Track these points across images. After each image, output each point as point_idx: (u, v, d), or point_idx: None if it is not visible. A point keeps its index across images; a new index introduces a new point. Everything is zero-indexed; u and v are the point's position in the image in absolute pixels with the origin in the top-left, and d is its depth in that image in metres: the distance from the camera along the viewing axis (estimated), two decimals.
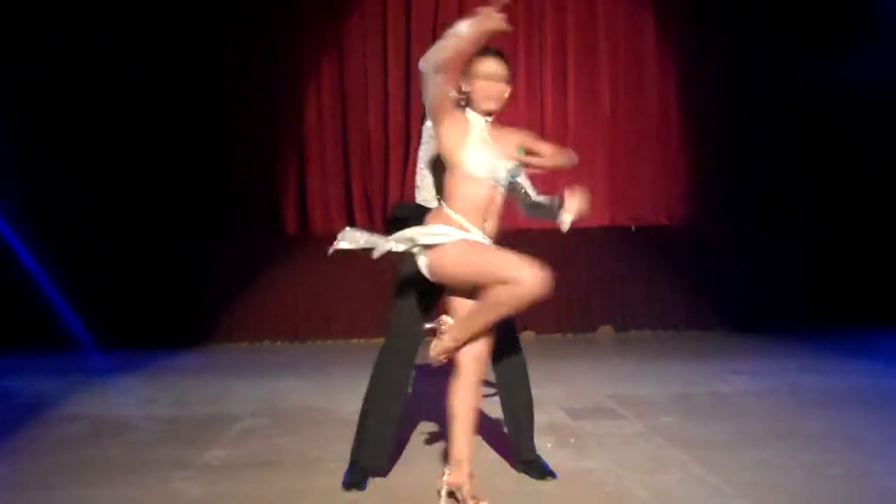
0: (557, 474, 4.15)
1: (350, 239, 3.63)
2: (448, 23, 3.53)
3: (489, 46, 3.70)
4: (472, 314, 3.63)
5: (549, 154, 3.88)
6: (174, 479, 4.30)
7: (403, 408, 4.21)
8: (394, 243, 3.60)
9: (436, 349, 3.68)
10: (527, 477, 4.17)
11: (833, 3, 9.37)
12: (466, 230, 3.60)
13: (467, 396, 3.72)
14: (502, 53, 3.80)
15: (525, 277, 3.45)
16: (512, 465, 4.31)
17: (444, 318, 3.71)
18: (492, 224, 3.70)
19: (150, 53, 9.14)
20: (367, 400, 4.15)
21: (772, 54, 9.58)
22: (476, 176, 3.62)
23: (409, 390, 4.35)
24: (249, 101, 9.44)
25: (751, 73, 9.63)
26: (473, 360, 3.71)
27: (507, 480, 4.15)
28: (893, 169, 9.36)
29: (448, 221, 3.62)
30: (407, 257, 3.86)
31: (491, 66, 3.72)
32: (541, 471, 4.16)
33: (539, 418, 5.30)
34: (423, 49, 3.66)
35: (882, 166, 9.37)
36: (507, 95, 3.77)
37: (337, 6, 9.58)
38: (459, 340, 3.65)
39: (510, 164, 3.69)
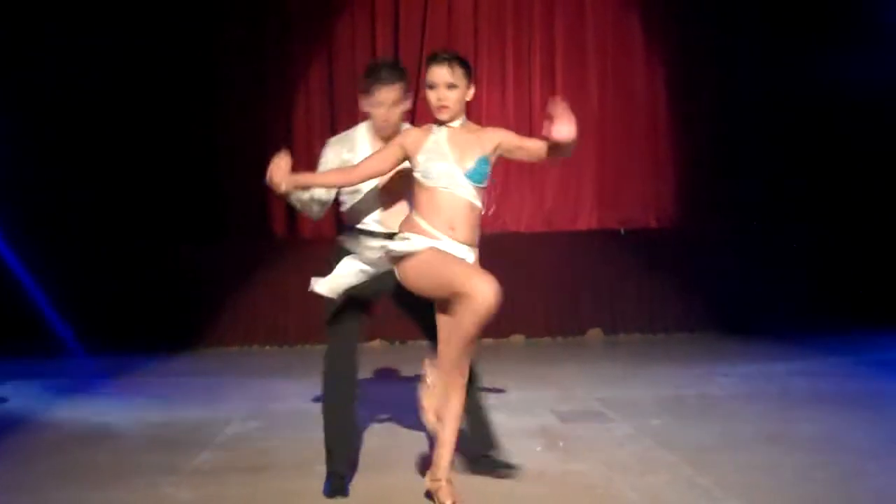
0: (515, 466, 4.16)
1: (328, 288, 3.87)
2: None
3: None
4: (446, 344, 3.62)
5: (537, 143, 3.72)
6: (164, 484, 4.30)
7: (358, 407, 4.24)
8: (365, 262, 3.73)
9: (428, 402, 3.68)
10: (516, 481, 4.17)
11: (825, 1, 9.38)
12: (435, 237, 3.60)
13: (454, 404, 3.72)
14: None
15: (476, 290, 3.42)
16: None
17: (427, 362, 3.72)
18: (463, 232, 3.65)
19: (141, 55, 9.09)
20: (325, 409, 4.19)
21: (762, 52, 9.54)
22: (430, 186, 3.64)
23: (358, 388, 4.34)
24: (240, 102, 9.38)
25: (740, 71, 9.59)
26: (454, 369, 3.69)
27: (497, 485, 4.15)
28: (886, 169, 9.37)
29: (415, 229, 3.64)
30: (336, 258, 4.05)
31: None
32: (495, 464, 4.17)
33: (528, 421, 5.34)
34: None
35: (875, 166, 9.34)
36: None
37: (326, 6, 9.56)
38: (446, 374, 3.63)
39: (471, 166, 3.64)
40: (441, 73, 3.64)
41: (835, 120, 9.37)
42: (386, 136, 3.99)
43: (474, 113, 9.78)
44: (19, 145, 8.57)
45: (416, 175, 3.67)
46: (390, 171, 3.84)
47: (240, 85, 9.42)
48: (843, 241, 9.36)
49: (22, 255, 8.53)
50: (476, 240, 3.71)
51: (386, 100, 3.94)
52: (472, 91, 3.73)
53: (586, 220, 9.58)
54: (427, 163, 3.64)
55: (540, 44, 9.64)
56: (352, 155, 4.05)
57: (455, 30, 9.44)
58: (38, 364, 8.11)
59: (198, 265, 9.06)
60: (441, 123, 3.71)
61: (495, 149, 3.71)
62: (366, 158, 3.87)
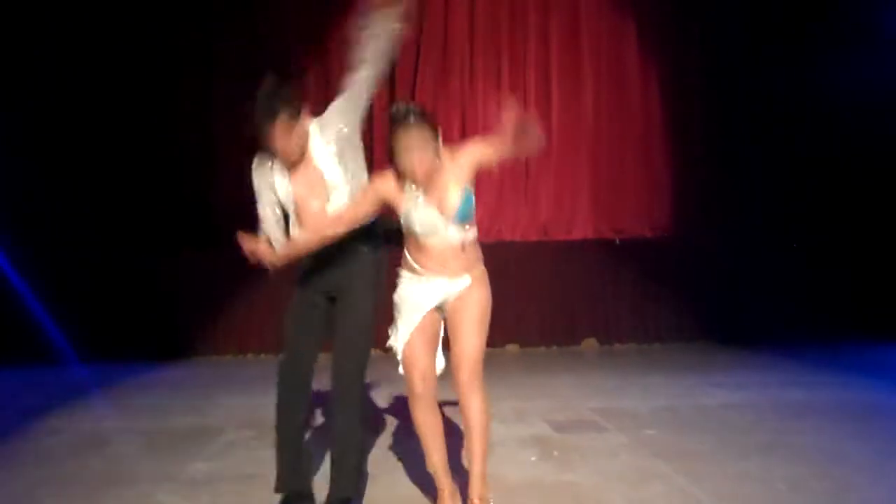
0: None
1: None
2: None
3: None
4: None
5: (504, 142, 3.58)
6: (158, 492, 4.29)
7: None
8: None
9: None
10: (510, 491, 4.16)
11: (816, 7, 9.42)
12: (421, 275, 3.63)
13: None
14: None
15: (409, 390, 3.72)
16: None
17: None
18: (456, 266, 3.60)
19: (133, 63, 9.10)
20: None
21: (757, 59, 9.58)
22: (416, 235, 3.61)
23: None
24: (234, 110, 9.34)
25: (736, 80, 9.65)
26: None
27: (491, 496, 4.14)
28: (883, 181, 9.38)
29: (407, 267, 3.71)
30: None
31: None
32: None
33: (523, 431, 5.34)
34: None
35: (871, 177, 9.37)
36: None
37: (322, 13, 9.57)
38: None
39: (455, 208, 3.53)
40: (409, 139, 3.46)
41: (832, 128, 9.38)
42: (290, 163, 4.00)
43: (471, 124, 9.85)
44: (11, 155, 8.56)
45: (402, 221, 3.64)
46: (371, 213, 3.76)
47: (234, 92, 9.40)
48: (837, 252, 9.37)
49: (16, 263, 8.52)
50: (472, 260, 3.65)
51: (278, 134, 3.92)
52: (440, 139, 3.54)
53: (581, 230, 9.59)
54: (410, 215, 3.55)
55: (535, 55, 9.66)
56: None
57: (451, 39, 9.46)
58: (31, 372, 8.10)
59: (192, 274, 9.05)
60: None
61: (472, 171, 3.59)
62: (346, 208, 3.79)
